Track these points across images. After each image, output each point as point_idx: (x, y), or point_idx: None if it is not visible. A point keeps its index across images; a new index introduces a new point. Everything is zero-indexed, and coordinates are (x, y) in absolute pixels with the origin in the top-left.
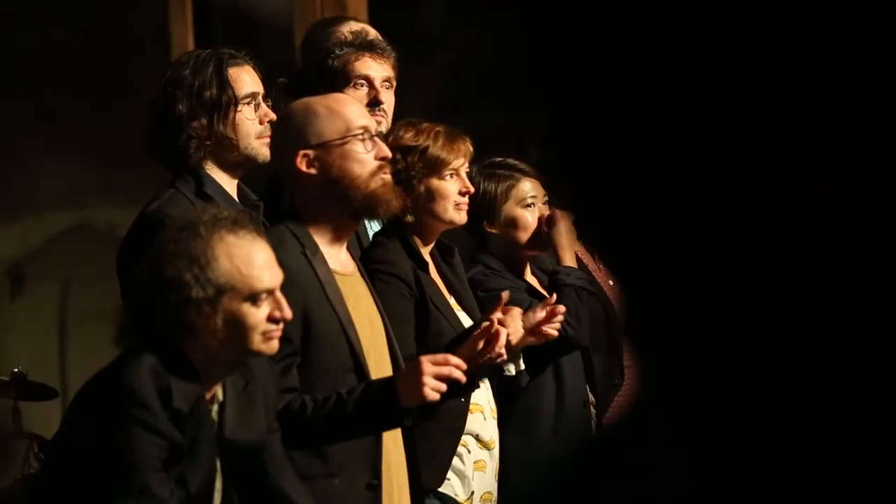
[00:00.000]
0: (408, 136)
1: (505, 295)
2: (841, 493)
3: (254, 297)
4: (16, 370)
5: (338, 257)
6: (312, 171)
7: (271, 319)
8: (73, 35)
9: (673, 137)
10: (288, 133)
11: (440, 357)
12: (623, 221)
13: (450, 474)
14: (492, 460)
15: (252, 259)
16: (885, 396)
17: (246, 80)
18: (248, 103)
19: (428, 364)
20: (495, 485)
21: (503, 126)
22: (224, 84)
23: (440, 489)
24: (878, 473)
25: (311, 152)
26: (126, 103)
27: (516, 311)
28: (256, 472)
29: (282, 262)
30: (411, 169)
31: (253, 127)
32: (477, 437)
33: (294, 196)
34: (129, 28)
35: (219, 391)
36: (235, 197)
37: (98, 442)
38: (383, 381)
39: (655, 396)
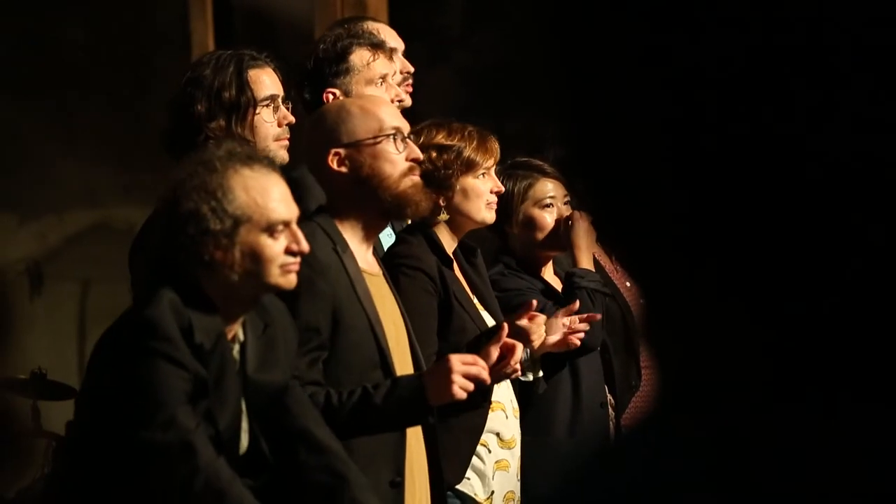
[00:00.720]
0: (440, 136)
1: (534, 302)
2: (856, 493)
3: (271, 229)
4: (35, 369)
5: (365, 256)
6: (343, 169)
7: (289, 252)
8: (94, 35)
9: (692, 139)
10: (321, 131)
11: (469, 357)
12: (641, 223)
13: (470, 473)
14: (514, 459)
15: (268, 191)
16: None
17: (266, 81)
18: (267, 105)
19: (458, 363)
20: (518, 484)
21: (522, 127)
22: (243, 85)
23: (460, 488)
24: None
25: (342, 151)
26: (146, 103)
27: (541, 319)
28: (281, 413)
29: (313, 257)
30: (448, 167)
31: (271, 129)
32: (498, 436)
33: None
34: (150, 28)
35: (239, 331)
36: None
37: (122, 378)
38: (411, 378)
39: (673, 398)
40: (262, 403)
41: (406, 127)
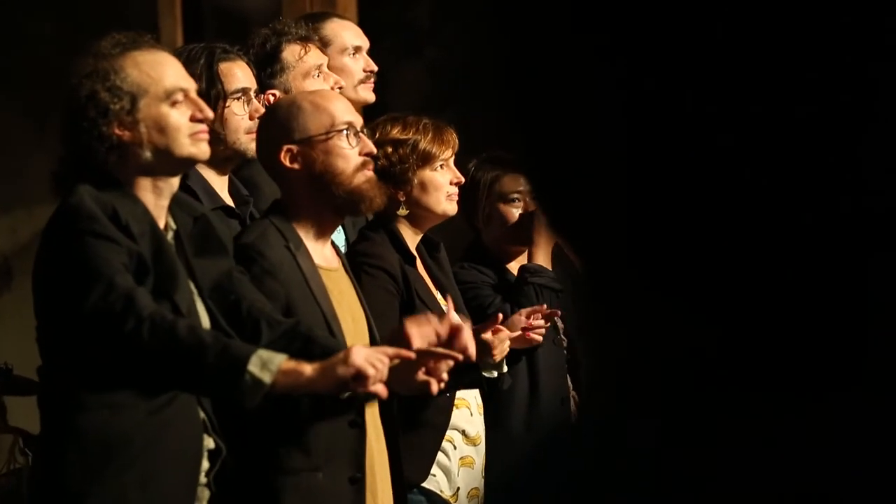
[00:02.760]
0: (396, 131)
1: (500, 316)
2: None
3: (170, 98)
4: (2, 365)
5: (322, 252)
6: (296, 165)
7: (194, 120)
8: (63, 29)
9: (643, 132)
10: (273, 128)
11: (422, 317)
12: (587, 214)
13: (435, 470)
14: (478, 456)
15: (159, 63)
16: (864, 396)
17: (238, 74)
18: (238, 98)
19: (413, 325)
20: (482, 481)
21: (493, 121)
22: (213, 78)
23: (425, 485)
24: (861, 473)
25: (295, 147)
26: None
27: (505, 334)
28: (233, 296)
29: (265, 255)
30: (405, 161)
31: (242, 122)
32: (463, 433)
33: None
34: (119, 23)
35: (169, 220)
36: (225, 191)
37: (58, 266)
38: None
39: (616, 388)
40: (211, 287)
41: (359, 121)
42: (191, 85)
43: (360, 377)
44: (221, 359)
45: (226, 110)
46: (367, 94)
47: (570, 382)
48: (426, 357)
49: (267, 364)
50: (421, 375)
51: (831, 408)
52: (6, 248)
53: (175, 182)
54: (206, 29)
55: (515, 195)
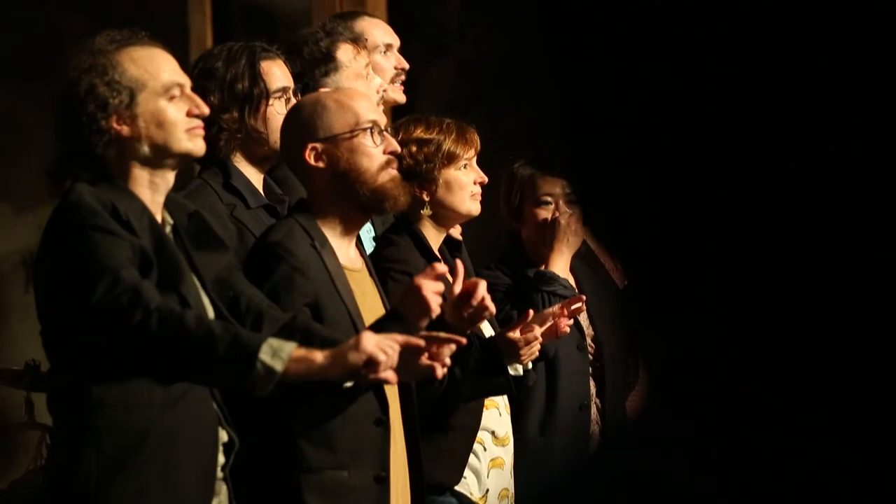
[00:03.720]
0: (419, 131)
1: (530, 312)
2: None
3: (168, 93)
4: (29, 361)
5: (346, 252)
6: (321, 164)
7: (190, 115)
8: (92, 25)
9: (684, 135)
10: (297, 126)
11: (428, 270)
12: (628, 219)
13: (465, 472)
14: (508, 456)
15: (155, 58)
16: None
17: (277, 73)
18: (280, 97)
19: (421, 278)
20: (512, 481)
21: (521, 121)
22: (256, 77)
23: (456, 487)
24: (876, 471)
25: (319, 145)
26: None
27: (535, 333)
28: (230, 289)
29: (293, 253)
30: (429, 161)
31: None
32: (493, 434)
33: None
34: (148, 19)
35: (165, 215)
36: (261, 190)
37: (63, 262)
38: (388, 314)
39: (658, 394)
40: (212, 280)
41: (383, 119)
42: (187, 80)
43: (371, 363)
44: (232, 348)
45: (268, 109)
46: (398, 95)
47: (592, 389)
48: (430, 342)
49: (278, 352)
50: (425, 360)
51: (846, 408)
52: (33, 244)
53: (171, 177)
54: (235, 26)
55: (547, 198)
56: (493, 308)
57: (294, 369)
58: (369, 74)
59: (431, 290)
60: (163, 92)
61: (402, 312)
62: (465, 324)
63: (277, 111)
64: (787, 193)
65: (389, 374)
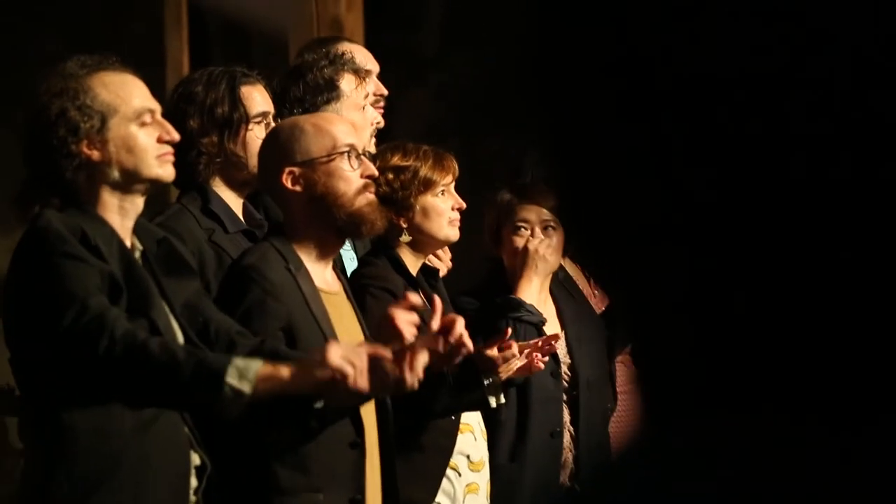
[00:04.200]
0: (396, 158)
1: (508, 331)
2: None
3: (139, 118)
4: (3, 385)
5: (322, 275)
6: (298, 188)
7: (161, 141)
8: (69, 48)
9: (673, 161)
10: (274, 150)
11: (402, 300)
12: (618, 243)
13: (441, 497)
14: (483, 482)
15: (126, 84)
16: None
17: (257, 98)
18: (259, 122)
19: (395, 308)
20: None
21: (499, 148)
22: (236, 102)
23: None
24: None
25: (296, 169)
26: None
27: (512, 351)
28: (199, 315)
29: (266, 276)
30: (406, 188)
31: None
32: (468, 458)
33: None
34: (124, 43)
35: (135, 241)
36: (240, 215)
37: (31, 289)
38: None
39: (656, 416)
40: (182, 306)
41: (360, 144)
42: (157, 106)
43: (339, 377)
44: (198, 373)
45: (248, 134)
46: (380, 119)
47: (566, 416)
48: (402, 354)
49: (244, 373)
50: (394, 371)
51: (866, 434)
52: (3, 268)
53: (140, 203)
54: (212, 51)
55: (522, 224)
56: (471, 346)
57: (263, 388)
58: (367, 107)
59: (406, 321)
60: (134, 117)
61: (376, 342)
62: (442, 360)
63: (257, 136)
64: (789, 206)
65: (361, 382)
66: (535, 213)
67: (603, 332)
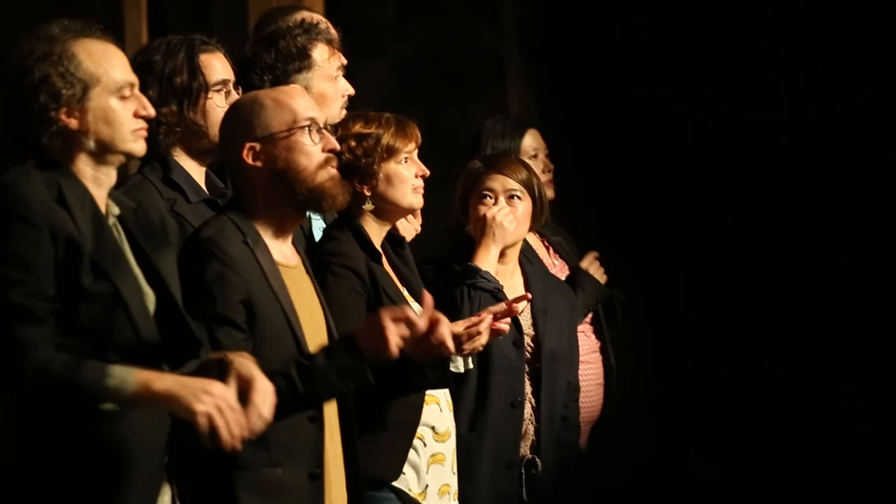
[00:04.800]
0: (358, 126)
1: (482, 315)
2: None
3: (119, 91)
4: None
5: (281, 249)
6: (258, 163)
7: (137, 116)
8: (26, 22)
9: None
10: (235, 125)
11: (398, 310)
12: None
13: (405, 468)
14: (449, 452)
15: (110, 55)
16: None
17: (217, 66)
18: (219, 90)
19: (387, 316)
20: (454, 477)
21: (458, 119)
22: (195, 70)
23: (394, 483)
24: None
25: (257, 144)
26: None
27: (477, 329)
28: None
29: (224, 249)
30: (369, 155)
31: (223, 114)
32: (433, 429)
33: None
34: (83, 14)
35: (111, 205)
36: (203, 184)
37: None
38: (344, 340)
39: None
40: (157, 277)
41: (322, 117)
42: (136, 80)
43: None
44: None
45: (207, 102)
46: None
47: (528, 387)
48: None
49: (119, 391)
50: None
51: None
52: None
53: (114, 175)
54: (171, 22)
55: (487, 192)
56: (451, 347)
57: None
58: (339, 77)
59: (394, 334)
60: (115, 90)
61: (358, 342)
62: (420, 355)
63: (217, 104)
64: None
65: (226, 442)
66: (500, 183)
67: (572, 306)
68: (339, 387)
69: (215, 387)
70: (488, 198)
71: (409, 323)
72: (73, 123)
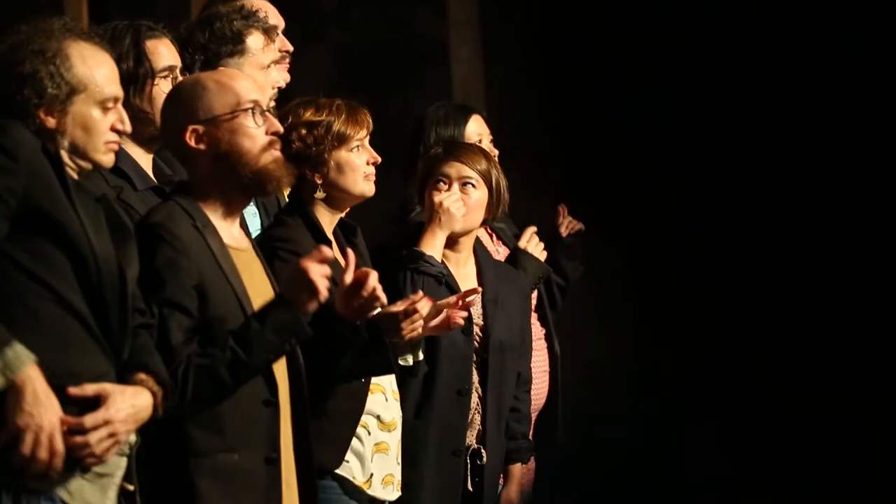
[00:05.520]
0: (309, 113)
1: (419, 293)
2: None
3: (104, 103)
4: None
5: (230, 232)
6: (202, 146)
7: (113, 129)
8: None
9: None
10: (177, 108)
11: (316, 252)
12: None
13: (349, 456)
14: (393, 442)
15: (104, 65)
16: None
17: (164, 52)
18: (166, 77)
19: (309, 260)
20: (398, 467)
21: (400, 105)
22: (141, 56)
23: (338, 471)
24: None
25: (200, 127)
26: None
27: (420, 308)
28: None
29: (173, 234)
30: (320, 143)
31: None
32: (378, 418)
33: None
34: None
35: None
36: (150, 172)
37: None
38: (273, 299)
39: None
40: (107, 275)
41: (265, 100)
42: (121, 94)
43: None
44: None
45: (154, 89)
46: (283, 76)
47: (475, 377)
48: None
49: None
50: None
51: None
52: None
53: (75, 176)
54: (111, 6)
55: (442, 178)
56: (384, 298)
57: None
58: (271, 68)
59: (318, 273)
60: (100, 100)
61: (288, 297)
62: (354, 314)
63: (164, 90)
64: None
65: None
66: (455, 170)
67: (525, 297)
68: (279, 345)
69: (54, 412)
70: (442, 183)
71: (334, 265)
72: (51, 122)
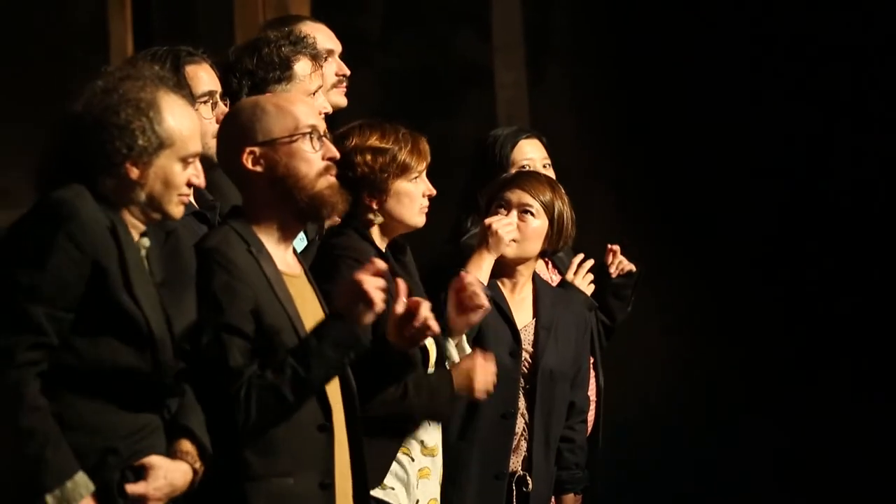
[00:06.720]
0: (374, 139)
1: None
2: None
3: (185, 159)
4: None
5: (284, 258)
6: (258, 168)
7: (189, 184)
8: (10, 34)
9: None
10: (235, 130)
11: (369, 266)
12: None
13: (394, 483)
14: (435, 467)
15: (190, 118)
16: None
17: (203, 77)
18: (206, 102)
19: (362, 273)
20: (438, 490)
21: (443, 131)
22: (180, 81)
23: (384, 498)
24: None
25: (257, 150)
26: (63, 103)
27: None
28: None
29: (229, 259)
30: (384, 171)
31: (210, 126)
32: (422, 443)
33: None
34: (68, 25)
35: (143, 241)
36: (191, 196)
37: (11, 241)
38: (327, 315)
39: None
40: (179, 311)
41: (322, 125)
42: (200, 150)
43: None
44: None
45: None
46: (340, 99)
47: (522, 402)
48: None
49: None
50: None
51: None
52: None
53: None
54: (156, 33)
55: (502, 203)
56: (436, 328)
57: None
58: (318, 94)
59: (373, 285)
60: (184, 158)
61: (343, 311)
62: (406, 343)
63: (203, 116)
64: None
65: None
66: (517, 196)
67: (584, 327)
68: (337, 360)
69: None
70: (501, 208)
71: (383, 274)
72: (134, 173)
